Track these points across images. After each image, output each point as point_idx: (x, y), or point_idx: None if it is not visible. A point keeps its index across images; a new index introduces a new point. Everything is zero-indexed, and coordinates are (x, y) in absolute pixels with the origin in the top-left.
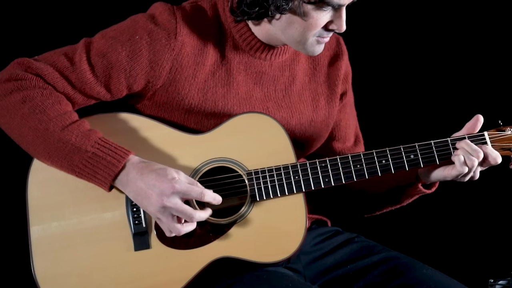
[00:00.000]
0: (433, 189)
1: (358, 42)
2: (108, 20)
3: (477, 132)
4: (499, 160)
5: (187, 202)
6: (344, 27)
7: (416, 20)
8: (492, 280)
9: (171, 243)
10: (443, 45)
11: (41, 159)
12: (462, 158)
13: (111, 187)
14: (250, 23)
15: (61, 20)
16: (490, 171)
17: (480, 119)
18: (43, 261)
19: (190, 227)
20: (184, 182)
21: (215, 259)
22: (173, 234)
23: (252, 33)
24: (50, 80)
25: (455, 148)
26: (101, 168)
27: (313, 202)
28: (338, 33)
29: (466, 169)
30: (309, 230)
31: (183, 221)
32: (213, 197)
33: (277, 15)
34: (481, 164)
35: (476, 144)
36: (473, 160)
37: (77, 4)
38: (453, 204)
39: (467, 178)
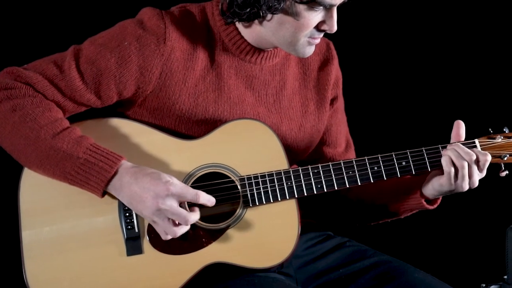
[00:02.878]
0: (435, 205)
1: (348, 46)
2: (97, 26)
3: (468, 140)
4: (489, 157)
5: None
6: (335, 27)
7: (407, 26)
8: (484, 285)
9: (164, 248)
10: (434, 50)
11: (32, 167)
12: (449, 159)
13: (104, 193)
14: (239, 26)
15: (50, 27)
16: (481, 178)
17: (460, 125)
18: (35, 265)
19: (185, 228)
20: (179, 185)
21: (207, 265)
22: (169, 237)
23: (242, 37)
24: (40, 88)
25: None
26: (93, 174)
27: (305, 206)
28: (329, 36)
29: (453, 169)
30: (300, 234)
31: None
32: (208, 199)
33: (269, 16)
34: (477, 167)
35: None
36: (462, 162)
37: (65, 11)
38: (446, 208)
39: (465, 185)
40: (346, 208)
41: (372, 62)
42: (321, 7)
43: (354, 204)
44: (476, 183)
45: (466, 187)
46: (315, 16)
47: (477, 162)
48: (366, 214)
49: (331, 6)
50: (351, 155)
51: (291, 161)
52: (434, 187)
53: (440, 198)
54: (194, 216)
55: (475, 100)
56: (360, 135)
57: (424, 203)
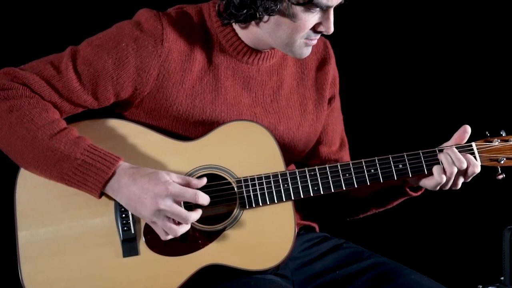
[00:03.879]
0: (419, 192)
1: (345, 46)
2: (94, 27)
3: (465, 143)
4: (477, 169)
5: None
6: (332, 29)
7: (405, 27)
8: (481, 286)
9: (160, 249)
10: (432, 52)
11: (29, 168)
12: (441, 168)
13: (101, 194)
14: (236, 27)
15: (47, 28)
16: (478, 180)
17: (467, 130)
18: (31, 266)
19: (186, 227)
20: (178, 185)
21: (203, 266)
22: (170, 237)
23: (239, 38)
24: (37, 89)
25: None
26: (91, 175)
27: (302, 208)
28: (326, 36)
29: (444, 179)
30: (297, 236)
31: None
32: (206, 199)
33: (265, 17)
34: (463, 174)
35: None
36: (453, 168)
37: (62, 12)
38: (442, 209)
39: (447, 187)
40: (333, 202)
41: (369, 62)
42: (318, 9)
43: (341, 197)
44: (459, 187)
45: (447, 188)
46: (312, 18)
47: (465, 170)
48: (354, 207)
49: (328, 7)
50: (345, 154)
51: (288, 162)
52: (418, 183)
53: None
54: (195, 215)
55: (472, 103)
56: (357, 136)
57: (408, 190)
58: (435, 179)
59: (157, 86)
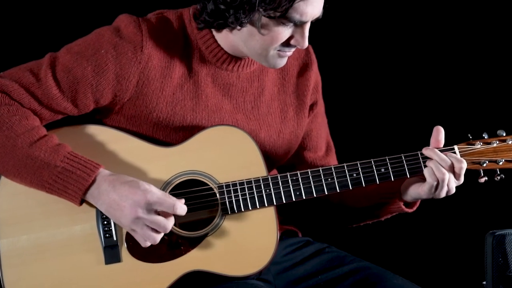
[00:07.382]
0: (415, 208)
1: (329, 49)
2: (74, 33)
3: (447, 146)
4: (464, 164)
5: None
6: (306, 44)
7: (390, 30)
8: None
9: (142, 256)
10: (416, 55)
11: (9, 176)
12: (431, 170)
13: (82, 201)
14: (214, 32)
15: (26, 35)
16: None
17: (440, 130)
18: (12, 274)
19: (163, 234)
20: (156, 194)
21: (186, 273)
22: (149, 244)
23: (218, 45)
24: (16, 96)
25: (425, 159)
26: (71, 182)
27: (284, 213)
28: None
29: (436, 181)
30: (279, 240)
31: None
32: (185, 210)
33: (238, 27)
34: (453, 175)
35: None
36: (443, 173)
37: (42, 18)
38: (425, 214)
39: (443, 193)
40: (327, 212)
41: (354, 65)
42: (291, 23)
43: (334, 208)
44: (453, 191)
45: (443, 195)
46: (285, 31)
47: (452, 169)
48: (347, 217)
49: (302, 23)
50: (332, 158)
51: (270, 167)
52: (412, 195)
53: (419, 201)
54: (171, 222)
55: (454, 106)
56: (340, 140)
57: (403, 206)
58: (427, 182)
59: (137, 93)
